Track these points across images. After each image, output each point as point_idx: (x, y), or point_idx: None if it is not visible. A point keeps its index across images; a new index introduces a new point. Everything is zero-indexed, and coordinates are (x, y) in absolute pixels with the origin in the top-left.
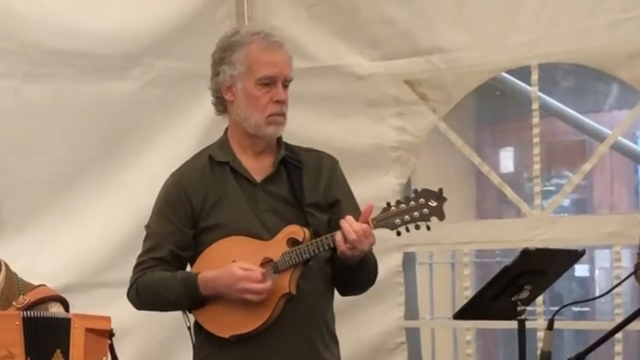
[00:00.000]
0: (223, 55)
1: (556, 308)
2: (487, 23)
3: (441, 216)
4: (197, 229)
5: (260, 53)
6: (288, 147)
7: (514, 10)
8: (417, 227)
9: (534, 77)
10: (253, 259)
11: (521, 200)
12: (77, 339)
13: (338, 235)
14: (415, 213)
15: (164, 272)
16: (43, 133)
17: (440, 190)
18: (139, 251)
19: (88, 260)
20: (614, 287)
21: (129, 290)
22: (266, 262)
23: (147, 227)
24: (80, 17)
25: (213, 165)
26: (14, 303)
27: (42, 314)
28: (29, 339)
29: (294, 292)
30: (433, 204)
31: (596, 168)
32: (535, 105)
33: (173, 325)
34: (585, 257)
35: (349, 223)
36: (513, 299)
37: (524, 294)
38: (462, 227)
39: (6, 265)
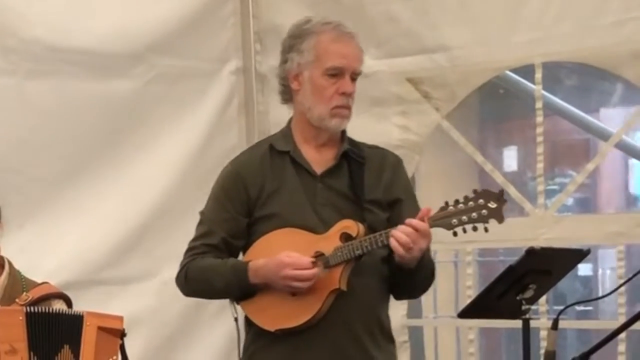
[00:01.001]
0: (292, 42)
1: (560, 307)
2: (491, 21)
3: (500, 219)
4: (251, 218)
5: (330, 43)
6: (352, 141)
7: (517, 9)
8: (475, 229)
9: (538, 75)
10: (304, 252)
11: (525, 199)
12: (88, 336)
13: (392, 241)
14: (474, 214)
15: (214, 259)
16: (45, 130)
17: (501, 191)
18: (140, 248)
19: (89, 257)
20: (619, 287)
21: (178, 274)
22: (318, 256)
23: (202, 213)
24: (82, 14)
25: (273, 155)
26: (17, 300)
27: (46, 310)
28: (32, 335)
29: (344, 288)
30: (492, 205)
31: (599, 167)
32: (539, 104)
33: (178, 322)
34: (588, 256)
35: (400, 228)
36: (518, 298)
37: (529, 293)
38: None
39: (9, 263)
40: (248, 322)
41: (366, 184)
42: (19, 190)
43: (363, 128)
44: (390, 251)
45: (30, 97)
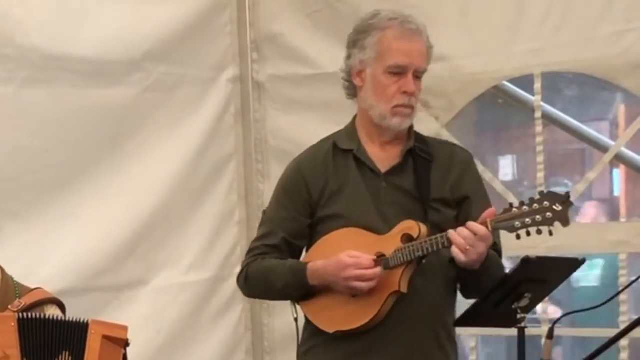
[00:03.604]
0: (357, 38)
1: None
2: (491, 31)
3: (565, 222)
4: (313, 218)
5: (393, 40)
6: (419, 138)
7: (517, 19)
8: (539, 232)
9: (537, 85)
10: (365, 252)
11: None
12: (93, 344)
13: (454, 250)
14: (538, 217)
15: (275, 260)
16: (41, 138)
17: (567, 194)
18: (136, 255)
19: (85, 264)
20: (616, 295)
21: (239, 276)
22: (378, 257)
23: (265, 212)
24: (79, 22)
25: (336, 153)
26: (9, 307)
27: (40, 316)
28: (25, 341)
29: (404, 290)
30: (558, 208)
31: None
32: (538, 114)
33: (172, 329)
34: (585, 264)
35: (459, 231)
36: (513, 306)
37: (524, 302)
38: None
39: (2, 269)
40: (307, 319)
41: (433, 181)
42: (15, 197)
43: None
44: None
45: (27, 105)
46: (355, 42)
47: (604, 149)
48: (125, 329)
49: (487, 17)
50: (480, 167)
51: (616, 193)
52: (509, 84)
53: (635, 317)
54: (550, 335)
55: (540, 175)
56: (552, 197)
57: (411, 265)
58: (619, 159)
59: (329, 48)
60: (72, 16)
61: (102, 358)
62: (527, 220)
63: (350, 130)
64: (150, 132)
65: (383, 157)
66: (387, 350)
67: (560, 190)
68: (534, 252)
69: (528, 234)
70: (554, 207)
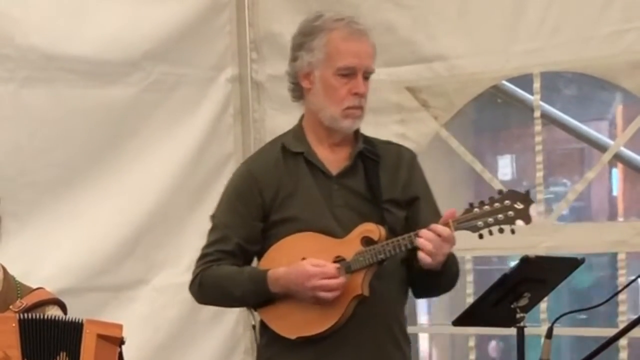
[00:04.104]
0: (303, 40)
1: (561, 314)
2: (490, 31)
3: (527, 220)
4: (267, 222)
5: (341, 41)
6: (366, 139)
7: (516, 19)
8: (501, 231)
9: (536, 85)
10: (324, 257)
11: None
12: (88, 344)
13: (419, 253)
14: (500, 215)
15: (230, 267)
16: (41, 137)
17: (528, 191)
18: (135, 255)
19: (84, 264)
20: (615, 294)
21: (191, 282)
22: (338, 261)
23: (214, 217)
24: (78, 22)
25: (287, 156)
26: (11, 307)
27: (40, 317)
28: (25, 341)
29: (366, 294)
30: (519, 206)
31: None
32: (537, 114)
33: (171, 329)
34: (584, 264)
35: (424, 234)
36: (512, 306)
37: (523, 302)
38: (464, 233)
39: (4, 269)
40: (263, 325)
41: (383, 183)
42: (14, 197)
43: None
44: (410, 254)
45: (26, 105)
46: (301, 44)
47: (603, 148)
48: (120, 327)
49: (486, 17)
50: (479, 167)
51: (614, 193)
52: (508, 84)
53: (634, 316)
54: (549, 335)
55: (539, 174)
56: (513, 195)
57: (372, 268)
58: (618, 158)
59: None
60: (71, 16)
61: (98, 357)
62: (489, 219)
63: (298, 132)
64: (150, 131)
65: (333, 160)
66: (348, 353)
67: (559, 190)
68: (533, 252)
69: (490, 233)
70: (515, 205)
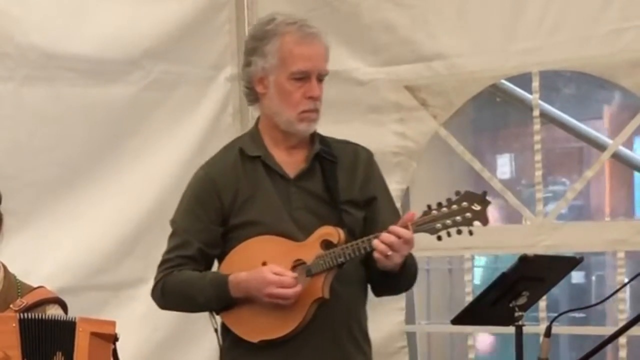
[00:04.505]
0: (256, 45)
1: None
2: (489, 30)
3: (485, 221)
4: (226, 226)
5: (294, 46)
6: (322, 140)
7: (515, 18)
8: (459, 232)
9: (535, 84)
10: (284, 260)
11: (523, 206)
12: (81, 342)
13: (376, 253)
14: (458, 217)
15: (192, 272)
16: (41, 136)
17: (484, 193)
18: (135, 254)
19: (84, 262)
20: (614, 293)
21: (153, 288)
22: (298, 265)
23: (174, 222)
24: (78, 20)
25: (244, 159)
26: (11, 306)
27: (40, 316)
28: (26, 341)
29: (327, 297)
30: (477, 207)
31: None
32: (536, 113)
33: (170, 327)
34: (582, 263)
35: (384, 238)
36: (511, 304)
37: (522, 300)
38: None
39: (4, 267)
40: (225, 329)
41: (340, 184)
42: (15, 196)
43: (361, 135)
44: (369, 254)
45: (26, 103)
46: (254, 49)
47: (602, 147)
48: (113, 324)
49: (485, 16)
50: (478, 166)
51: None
52: (507, 83)
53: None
54: (547, 333)
55: (538, 173)
56: (470, 197)
57: (332, 271)
58: (616, 157)
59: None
60: (71, 14)
61: (92, 355)
62: (447, 221)
63: (255, 135)
64: (149, 130)
65: (290, 162)
66: (309, 356)
67: (558, 189)
68: (531, 251)
69: (449, 234)
70: (473, 207)
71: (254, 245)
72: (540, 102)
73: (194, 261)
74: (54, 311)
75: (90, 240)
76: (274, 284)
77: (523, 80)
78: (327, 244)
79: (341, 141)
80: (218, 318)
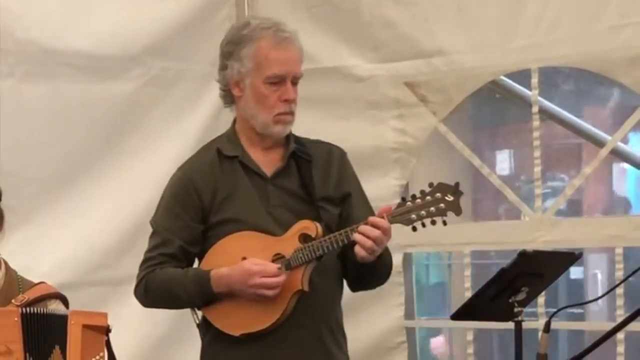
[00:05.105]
0: (232, 49)
1: (554, 310)
2: (488, 27)
3: (458, 211)
4: (206, 224)
5: (269, 50)
6: (297, 139)
7: (514, 15)
8: (434, 223)
9: (534, 80)
10: (263, 255)
11: (522, 202)
12: (74, 335)
13: (357, 246)
14: (432, 208)
15: (174, 269)
16: (41, 132)
17: (457, 184)
18: (134, 250)
19: (84, 258)
20: (612, 288)
21: (136, 287)
22: (277, 259)
23: (154, 222)
24: (79, 17)
25: (222, 159)
26: (13, 301)
27: (40, 311)
28: (27, 336)
29: (306, 289)
30: (450, 198)
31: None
32: (535, 109)
33: (170, 322)
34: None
35: (363, 229)
36: (510, 300)
37: (521, 296)
38: (462, 228)
39: (6, 263)
40: (206, 323)
41: (316, 181)
42: (15, 192)
43: (360, 131)
44: (345, 248)
45: (26, 99)
46: (230, 53)
47: (600, 143)
48: (105, 315)
49: (484, 13)
50: (477, 162)
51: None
52: (506, 79)
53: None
54: (547, 329)
55: (537, 169)
56: (443, 188)
57: (311, 263)
58: (615, 153)
59: (328, 43)
60: (71, 11)
61: (85, 347)
62: (422, 212)
63: (231, 136)
64: (149, 127)
65: (266, 161)
66: (289, 347)
67: (557, 185)
68: (530, 246)
69: (423, 225)
70: (446, 197)
71: (234, 242)
72: (539, 98)
73: (176, 259)
74: (55, 306)
75: (90, 236)
76: (258, 274)
77: (522, 76)
78: (305, 238)
79: (315, 141)
80: (200, 314)
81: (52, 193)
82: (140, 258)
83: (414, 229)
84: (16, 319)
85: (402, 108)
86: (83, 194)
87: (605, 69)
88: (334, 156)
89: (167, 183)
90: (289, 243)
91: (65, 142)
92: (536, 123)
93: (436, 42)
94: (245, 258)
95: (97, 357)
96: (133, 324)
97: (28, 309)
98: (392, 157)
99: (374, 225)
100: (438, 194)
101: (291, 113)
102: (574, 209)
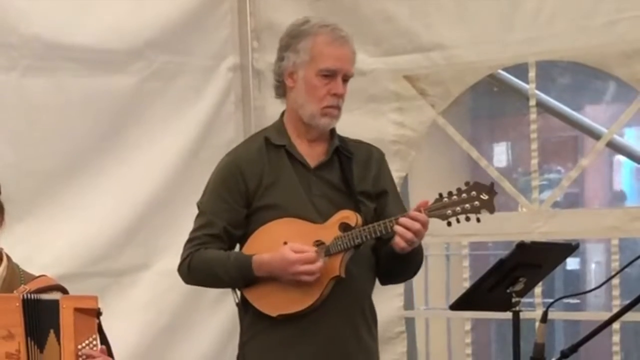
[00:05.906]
0: (290, 42)
1: (551, 300)
2: (486, 21)
3: (492, 209)
4: (250, 208)
5: (325, 45)
6: (340, 137)
7: (512, 9)
8: (468, 219)
9: (532, 74)
10: (304, 240)
11: (519, 194)
12: (66, 318)
13: (397, 237)
14: (467, 205)
15: (217, 251)
16: (43, 126)
17: (492, 184)
18: (136, 241)
19: (86, 250)
20: (608, 279)
21: (180, 264)
22: (317, 245)
23: (201, 204)
24: (81, 11)
25: (269, 148)
26: (15, 292)
27: (38, 297)
28: (28, 320)
29: (343, 275)
30: (485, 197)
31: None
32: (532, 102)
33: (173, 312)
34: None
35: (403, 222)
36: (508, 290)
37: (519, 286)
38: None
39: (7, 256)
40: (245, 305)
41: (355, 176)
42: (16, 185)
43: (360, 124)
44: (379, 240)
45: (28, 93)
46: (288, 45)
47: (597, 136)
48: (95, 298)
49: (482, 7)
50: (475, 154)
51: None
52: (504, 73)
53: (627, 301)
54: (544, 319)
55: (534, 162)
56: (479, 187)
57: (349, 251)
58: (611, 146)
59: None
60: (74, 5)
61: (78, 330)
62: (457, 208)
63: (280, 127)
64: (151, 120)
65: (311, 154)
66: (324, 329)
67: (553, 177)
68: (528, 238)
69: (458, 221)
70: (481, 196)
71: (276, 227)
72: (536, 91)
73: (220, 240)
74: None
75: (92, 228)
76: (298, 262)
77: (520, 70)
78: (345, 227)
79: (356, 140)
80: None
81: (53, 186)
82: (142, 249)
83: (449, 224)
84: (17, 304)
85: (401, 101)
86: (85, 186)
87: (601, 62)
88: (373, 155)
89: (215, 167)
90: (329, 231)
91: (68, 135)
92: (533, 116)
93: (435, 36)
94: (287, 243)
95: (90, 339)
96: (135, 315)
97: (29, 295)
98: (391, 149)
99: (414, 219)
100: (473, 192)
101: (338, 108)
102: (571, 200)
